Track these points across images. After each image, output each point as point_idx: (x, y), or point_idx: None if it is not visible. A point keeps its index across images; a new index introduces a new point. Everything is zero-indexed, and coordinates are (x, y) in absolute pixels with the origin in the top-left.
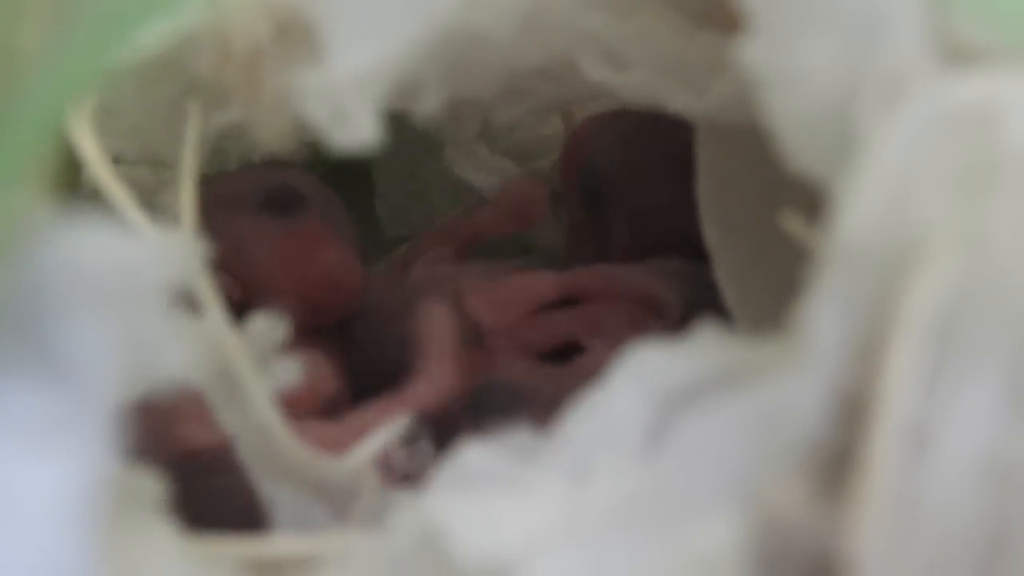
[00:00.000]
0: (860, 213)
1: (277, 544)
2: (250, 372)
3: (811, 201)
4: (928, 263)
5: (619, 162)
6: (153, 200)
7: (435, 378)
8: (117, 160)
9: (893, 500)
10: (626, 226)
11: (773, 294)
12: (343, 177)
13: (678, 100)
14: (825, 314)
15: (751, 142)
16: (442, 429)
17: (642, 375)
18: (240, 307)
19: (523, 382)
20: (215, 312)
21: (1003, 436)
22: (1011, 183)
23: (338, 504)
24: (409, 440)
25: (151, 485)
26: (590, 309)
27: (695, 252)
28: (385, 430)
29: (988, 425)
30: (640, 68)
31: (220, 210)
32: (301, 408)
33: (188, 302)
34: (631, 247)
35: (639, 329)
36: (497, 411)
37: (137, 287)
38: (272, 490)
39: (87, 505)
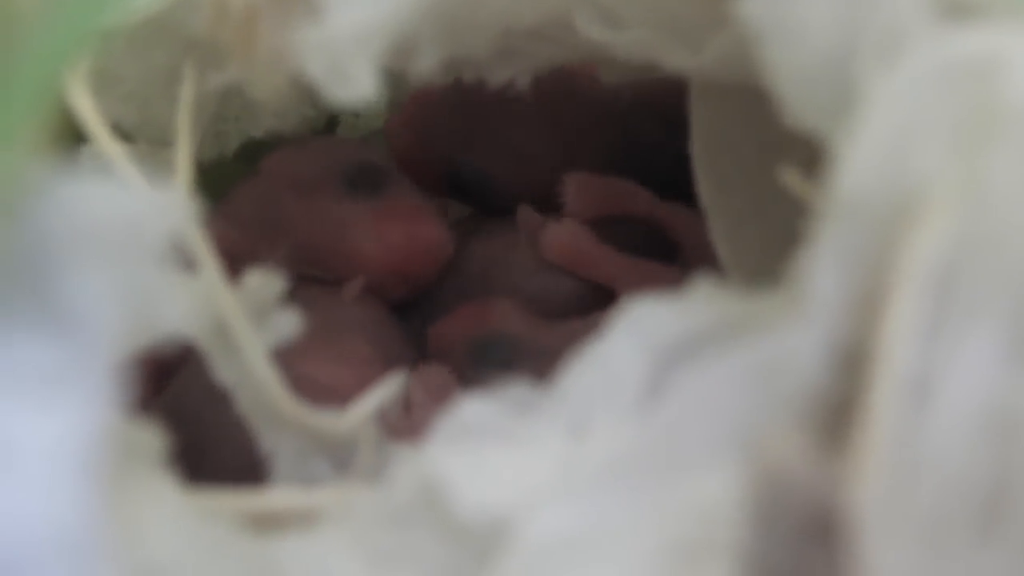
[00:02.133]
0: (859, 166)
1: (276, 497)
2: (245, 327)
3: (805, 158)
4: (928, 215)
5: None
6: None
7: None
8: (116, 128)
9: (893, 452)
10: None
11: (766, 250)
12: None
13: (674, 58)
14: (825, 267)
15: (744, 100)
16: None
17: (640, 329)
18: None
19: (523, 334)
20: (210, 267)
21: (1004, 387)
22: (1011, 135)
23: (338, 457)
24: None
25: (151, 438)
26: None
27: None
28: (381, 388)
29: (988, 377)
30: (636, 27)
31: (295, 195)
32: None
33: (184, 259)
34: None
35: None
36: (497, 362)
37: (138, 240)
38: (272, 443)
39: (88, 456)
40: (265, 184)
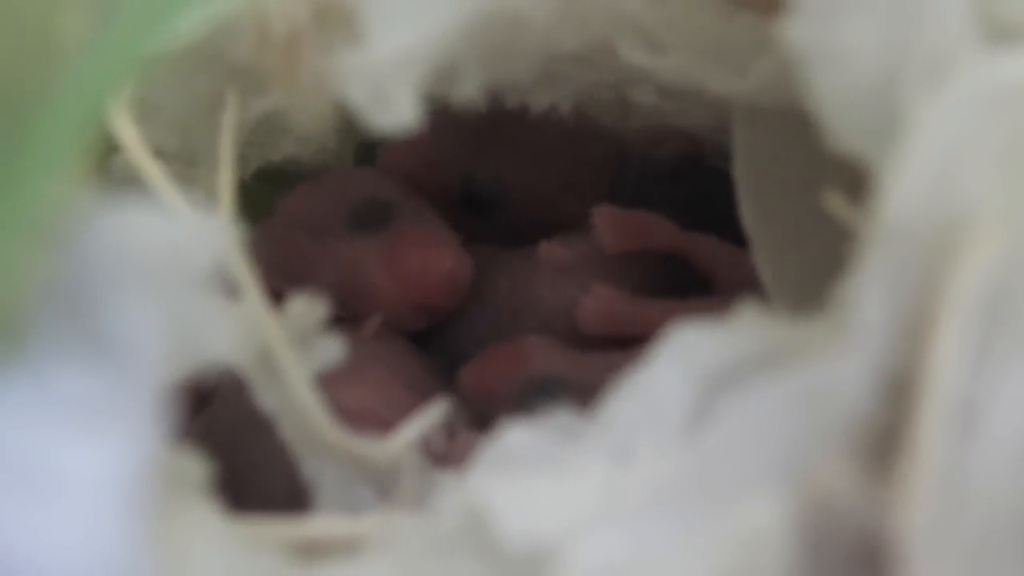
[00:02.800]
0: (905, 192)
1: (319, 525)
2: (288, 354)
3: (849, 183)
4: (975, 242)
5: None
6: (189, 194)
7: None
8: (157, 154)
9: (941, 479)
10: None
11: (810, 276)
12: None
13: (718, 82)
14: (871, 293)
15: (788, 124)
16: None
17: (685, 356)
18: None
19: (567, 372)
20: (253, 295)
21: None
22: None
23: (382, 485)
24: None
25: (195, 466)
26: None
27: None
28: (424, 415)
29: None
30: (679, 51)
31: (307, 239)
32: None
33: (227, 286)
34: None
35: None
36: (548, 404)
37: (182, 269)
38: (315, 470)
39: (135, 486)
40: (281, 226)
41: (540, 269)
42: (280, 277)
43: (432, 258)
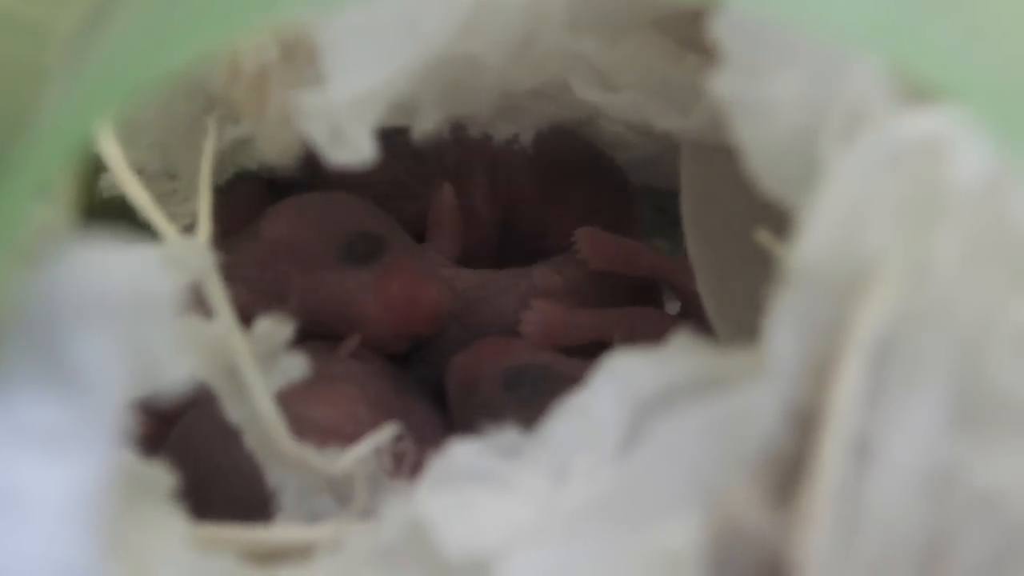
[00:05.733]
0: (816, 238)
1: (276, 532)
2: (254, 370)
3: (787, 218)
4: (875, 288)
5: None
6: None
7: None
8: (139, 172)
9: (837, 506)
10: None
11: (750, 305)
12: None
13: (664, 120)
14: (783, 331)
15: (731, 160)
16: (472, 405)
17: (620, 380)
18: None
19: (551, 362)
20: (225, 314)
21: (942, 449)
22: (954, 215)
23: (341, 494)
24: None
25: (161, 474)
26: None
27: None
28: (378, 433)
29: (929, 439)
30: (629, 90)
31: (297, 267)
32: None
33: (200, 305)
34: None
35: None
36: (531, 388)
37: (145, 301)
38: (278, 479)
39: (94, 505)
40: (267, 251)
41: (525, 294)
42: (259, 298)
43: (419, 291)
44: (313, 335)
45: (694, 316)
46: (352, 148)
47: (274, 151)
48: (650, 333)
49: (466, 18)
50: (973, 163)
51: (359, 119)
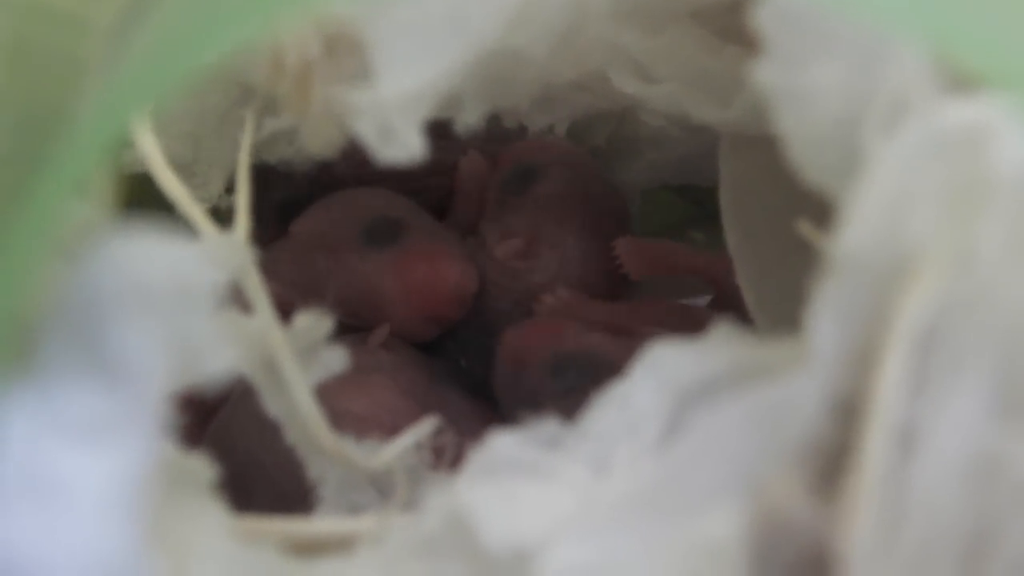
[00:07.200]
0: (859, 228)
1: (317, 524)
2: (292, 364)
3: (827, 209)
4: (920, 276)
5: None
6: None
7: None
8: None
9: (881, 496)
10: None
11: (791, 298)
12: None
13: (704, 111)
14: (826, 320)
15: (771, 152)
16: (519, 391)
17: (661, 371)
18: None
19: (599, 348)
20: (263, 308)
21: (987, 437)
22: (998, 203)
23: (381, 486)
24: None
25: (202, 467)
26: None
27: None
28: (418, 426)
29: (973, 428)
30: (668, 81)
31: (322, 255)
32: None
33: (239, 300)
34: None
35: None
36: (575, 377)
37: (186, 293)
38: (319, 472)
39: (136, 496)
40: (298, 246)
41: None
42: (296, 292)
43: (440, 271)
44: (347, 328)
45: (732, 309)
46: (401, 145)
47: (317, 145)
48: (676, 325)
49: (514, 12)
50: (1017, 151)
51: (409, 116)
